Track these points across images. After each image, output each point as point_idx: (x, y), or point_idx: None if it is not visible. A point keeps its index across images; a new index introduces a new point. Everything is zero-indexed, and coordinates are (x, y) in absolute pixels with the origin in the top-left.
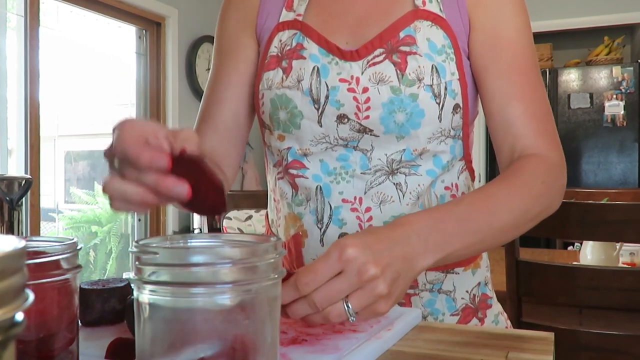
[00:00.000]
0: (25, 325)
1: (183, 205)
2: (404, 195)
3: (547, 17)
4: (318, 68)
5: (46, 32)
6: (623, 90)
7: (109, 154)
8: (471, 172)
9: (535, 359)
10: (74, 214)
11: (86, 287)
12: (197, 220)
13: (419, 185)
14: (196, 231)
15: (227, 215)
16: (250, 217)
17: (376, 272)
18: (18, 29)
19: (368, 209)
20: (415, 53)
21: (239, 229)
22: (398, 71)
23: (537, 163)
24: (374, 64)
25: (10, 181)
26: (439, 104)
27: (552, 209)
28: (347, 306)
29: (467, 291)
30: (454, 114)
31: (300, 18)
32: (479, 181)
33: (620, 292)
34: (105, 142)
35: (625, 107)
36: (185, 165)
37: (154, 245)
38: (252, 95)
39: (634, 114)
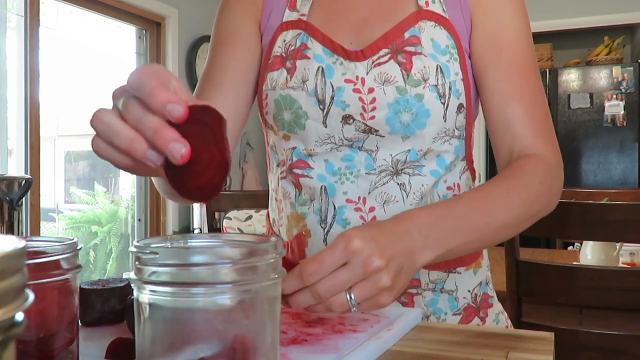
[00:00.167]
0: (25, 325)
1: (169, 175)
2: (407, 196)
3: (547, 17)
4: (323, 68)
5: (46, 32)
6: (623, 90)
7: (118, 93)
8: (472, 172)
9: (535, 359)
10: (74, 214)
11: (86, 287)
12: (197, 220)
13: (422, 185)
14: (196, 231)
15: (227, 215)
16: (250, 217)
17: (381, 264)
18: (18, 29)
19: (372, 209)
20: (420, 53)
21: (239, 229)
22: (403, 71)
23: (536, 163)
24: (379, 64)
25: (10, 181)
26: (443, 104)
27: (549, 208)
28: (350, 297)
29: (469, 290)
30: (458, 114)
31: (304, 18)
32: (479, 181)
33: (620, 292)
34: None
35: (625, 107)
36: (199, 122)
37: (154, 245)
38: (253, 84)
39: (634, 114)
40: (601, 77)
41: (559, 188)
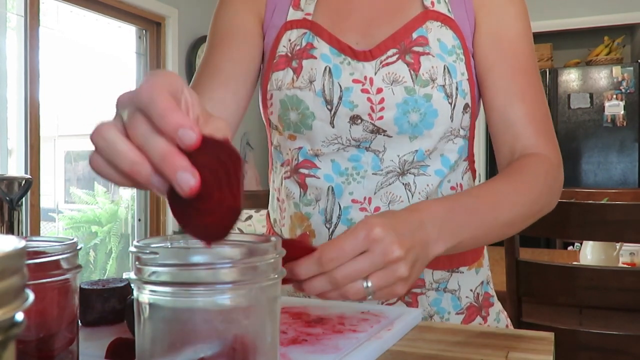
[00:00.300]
0: (25, 325)
1: (173, 206)
2: (412, 196)
3: (547, 17)
4: (330, 68)
5: (46, 32)
6: (623, 90)
7: (124, 101)
8: (473, 172)
9: (535, 359)
10: (74, 214)
11: (86, 287)
12: None
13: (427, 185)
14: None
15: None
16: (250, 217)
17: (401, 254)
18: (18, 29)
19: (377, 209)
20: (428, 53)
21: (239, 229)
22: (412, 71)
23: (539, 162)
24: (387, 64)
25: (10, 181)
26: (451, 104)
27: (550, 207)
28: (367, 285)
29: (471, 290)
30: (464, 114)
31: (309, 17)
32: (479, 181)
33: (620, 292)
34: None
35: (625, 107)
36: (213, 156)
37: (154, 245)
38: (253, 77)
39: (634, 114)
40: (601, 77)
41: (559, 188)
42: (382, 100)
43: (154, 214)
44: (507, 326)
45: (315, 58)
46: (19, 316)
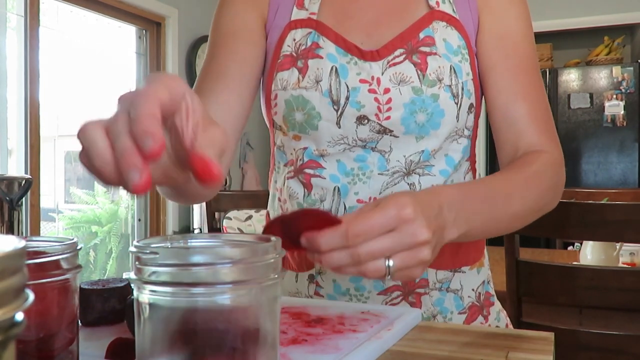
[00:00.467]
0: (25, 325)
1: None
2: None
3: (547, 17)
4: (336, 68)
5: (46, 32)
6: (623, 90)
7: (122, 100)
8: (474, 172)
9: (535, 359)
10: (74, 214)
11: (86, 287)
12: (197, 220)
13: (432, 185)
14: (196, 231)
15: (227, 215)
16: (250, 217)
17: (429, 237)
18: (18, 29)
19: None
20: (435, 54)
21: (239, 229)
22: (419, 72)
23: (544, 159)
24: (394, 64)
25: (10, 181)
26: (457, 104)
27: (553, 205)
28: (389, 265)
29: (473, 289)
30: (469, 114)
31: (314, 17)
32: None
33: (620, 292)
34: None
35: (625, 107)
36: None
37: (154, 245)
38: (256, 79)
39: (634, 114)
40: (601, 77)
41: (561, 186)
42: (389, 101)
43: (154, 214)
44: (507, 325)
45: (322, 58)
46: (19, 316)
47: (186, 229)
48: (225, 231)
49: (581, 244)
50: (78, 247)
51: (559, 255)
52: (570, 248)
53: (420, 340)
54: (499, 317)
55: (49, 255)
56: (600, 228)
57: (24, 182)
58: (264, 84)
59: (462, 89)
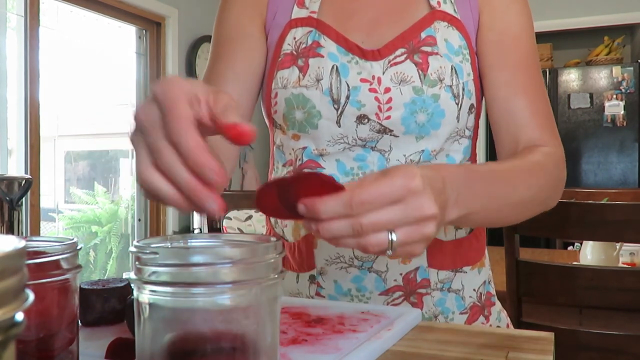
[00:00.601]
0: (25, 325)
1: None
2: None
3: (547, 17)
4: (337, 67)
5: (46, 32)
6: (623, 90)
7: (144, 122)
8: None
9: (535, 359)
10: (74, 214)
11: (86, 287)
12: (197, 220)
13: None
14: (196, 231)
15: (227, 215)
16: (250, 217)
17: (436, 212)
18: (18, 29)
19: None
20: (436, 53)
21: (239, 229)
22: (420, 71)
23: (547, 152)
24: (395, 63)
25: (10, 181)
26: (457, 104)
27: (554, 200)
28: (392, 238)
29: (474, 289)
30: (469, 114)
31: (314, 15)
32: None
33: (620, 292)
34: (103, 143)
35: (625, 107)
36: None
37: (154, 245)
38: (256, 86)
39: (634, 114)
40: (601, 77)
41: (563, 182)
42: (389, 100)
43: (154, 214)
44: (507, 325)
45: (323, 57)
46: (19, 316)
47: (186, 229)
48: (225, 231)
49: (581, 244)
50: (78, 247)
51: (559, 255)
52: (570, 248)
53: (420, 340)
54: (499, 317)
55: (49, 255)
56: (600, 228)
57: (24, 182)
58: (264, 82)
59: (463, 89)
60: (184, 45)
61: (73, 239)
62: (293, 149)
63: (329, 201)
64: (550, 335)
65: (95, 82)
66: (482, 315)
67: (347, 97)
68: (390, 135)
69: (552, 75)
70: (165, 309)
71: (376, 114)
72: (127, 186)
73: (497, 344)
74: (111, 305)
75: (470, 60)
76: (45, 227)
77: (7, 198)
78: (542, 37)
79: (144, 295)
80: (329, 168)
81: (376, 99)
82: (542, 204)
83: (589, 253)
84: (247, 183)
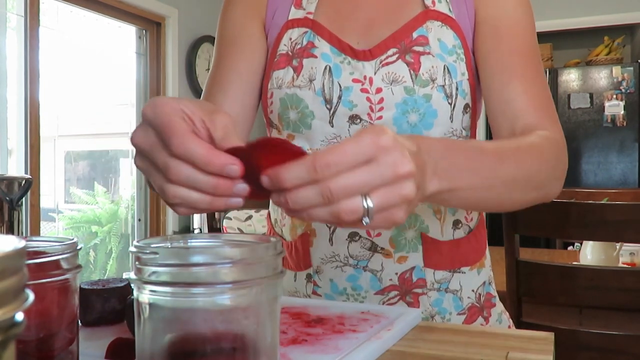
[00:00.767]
0: (25, 325)
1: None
2: None
3: (547, 17)
4: (330, 67)
5: (46, 32)
6: (623, 90)
7: (146, 145)
8: None
9: (535, 359)
10: (74, 214)
11: (86, 287)
12: (197, 220)
13: None
14: (196, 231)
15: (227, 215)
16: (250, 217)
17: (412, 168)
18: (18, 29)
19: None
20: (428, 53)
21: (239, 229)
22: (411, 71)
23: (543, 134)
24: (387, 63)
25: (10, 181)
26: (450, 104)
27: (554, 187)
28: (367, 205)
29: (473, 290)
30: (464, 114)
31: (310, 16)
32: None
33: (620, 292)
34: (103, 143)
35: (625, 107)
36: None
37: (154, 245)
38: (259, 85)
39: (634, 114)
40: (601, 77)
41: (563, 169)
42: (381, 100)
43: (154, 214)
44: (509, 327)
45: (316, 57)
46: (19, 316)
47: (186, 229)
48: (225, 231)
49: (581, 244)
50: (78, 247)
51: (559, 255)
52: (570, 248)
53: (420, 340)
54: (500, 319)
55: (49, 255)
56: (600, 228)
57: (24, 182)
58: (262, 82)
59: (457, 89)
60: (184, 45)
61: (73, 239)
62: None
63: (292, 167)
64: (550, 335)
65: (95, 82)
66: (480, 317)
67: (339, 98)
68: None
69: (552, 75)
70: (165, 309)
71: (368, 114)
72: (127, 186)
73: (497, 344)
74: (111, 305)
75: (465, 59)
76: (45, 227)
77: (7, 198)
78: (542, 37)
79: (144, 295)
80: None
81: (368, 99)
82: (538, 188)
83: (589, 253)
84: None
